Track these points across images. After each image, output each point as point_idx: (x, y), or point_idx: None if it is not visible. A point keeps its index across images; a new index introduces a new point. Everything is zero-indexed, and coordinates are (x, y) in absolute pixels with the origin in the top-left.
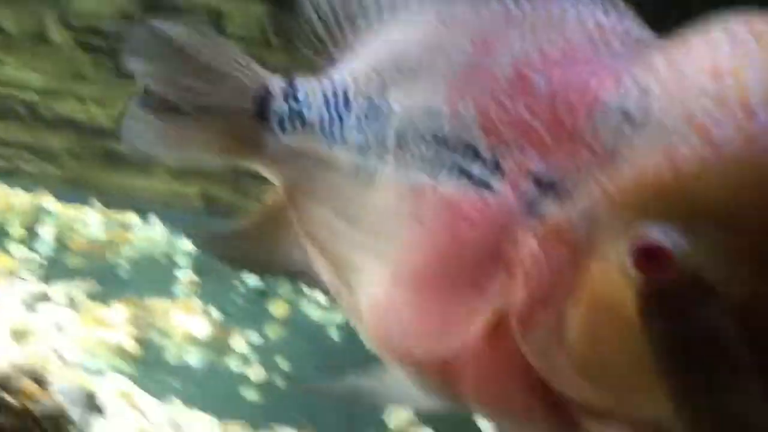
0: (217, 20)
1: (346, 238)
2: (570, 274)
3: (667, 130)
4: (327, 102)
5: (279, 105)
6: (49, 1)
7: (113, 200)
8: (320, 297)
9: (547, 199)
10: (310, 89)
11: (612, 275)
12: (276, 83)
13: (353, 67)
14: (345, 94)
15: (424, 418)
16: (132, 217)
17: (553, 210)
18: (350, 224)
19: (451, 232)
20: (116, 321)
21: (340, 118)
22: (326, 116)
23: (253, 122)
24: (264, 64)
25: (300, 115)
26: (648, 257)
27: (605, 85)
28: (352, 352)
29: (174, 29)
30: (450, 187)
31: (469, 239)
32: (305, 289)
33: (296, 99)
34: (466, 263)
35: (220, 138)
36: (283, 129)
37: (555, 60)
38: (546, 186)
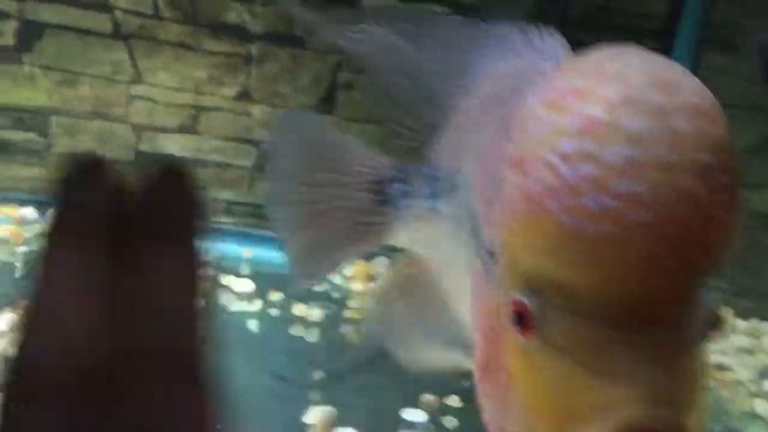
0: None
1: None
2: (500, 339)
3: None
4: (428, 182)
5: (396, 188)
6: None
7: (6, 194)
8: (237, 286)
9: (493, 265)
10: (415, 172)
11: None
12: (389, 169)
13: (442, 149)
14: (436, 174)
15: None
16: (29, 212)
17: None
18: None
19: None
20: (4, 329)
21: (438, 197)
22: (429, 196)
23: (375, 208)
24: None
25: (410, 195)
26: (517, 317)
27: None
28: (274, 344)
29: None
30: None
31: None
32: (221, 280)
33: (407, 181)
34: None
35: (351, 232)
36: (398, 209)
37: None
38: (491, 253)
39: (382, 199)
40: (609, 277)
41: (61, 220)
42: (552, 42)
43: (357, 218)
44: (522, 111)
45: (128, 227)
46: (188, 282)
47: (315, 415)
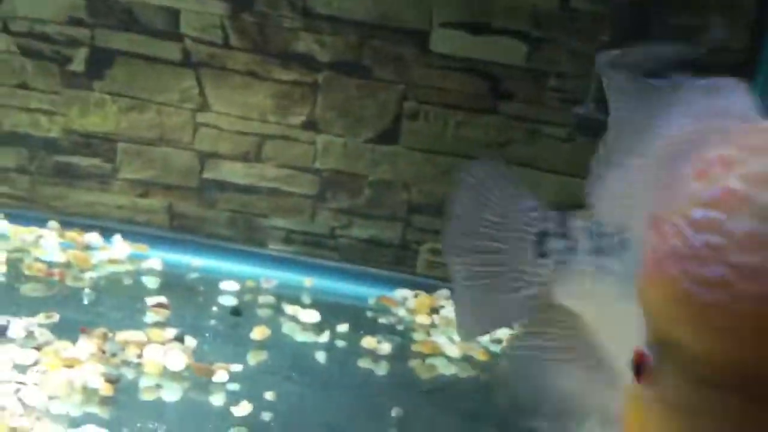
0: (174, 20)
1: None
2: None
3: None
4: (591, 236)
5: (557, 243)
6: None
7: (71, 219)
8: (302, 316)
9: None
10: (578, 224)
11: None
12: (552, 222)
13: (609, 202)
14: (601, 227)
15: None
16: (93, 237)
17: None
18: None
19: None
20: (83, 358)
21: (602, 251)
22: (593, 252)
23: (534, 262)
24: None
25: (572, 250)
26: (637, 366)
27: None
28: (338, 376)
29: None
30: None
31: None
32: (285, 308)
33: (567, 235)
34: None
35: (511, 287)
36: (558, 263)
37: None
38: None
39: (541, 253)
40: (718, 344)
41: None
42: (740, 102)
43: (518, 273)
44: (675, 175)
45: None
46: None
47: None
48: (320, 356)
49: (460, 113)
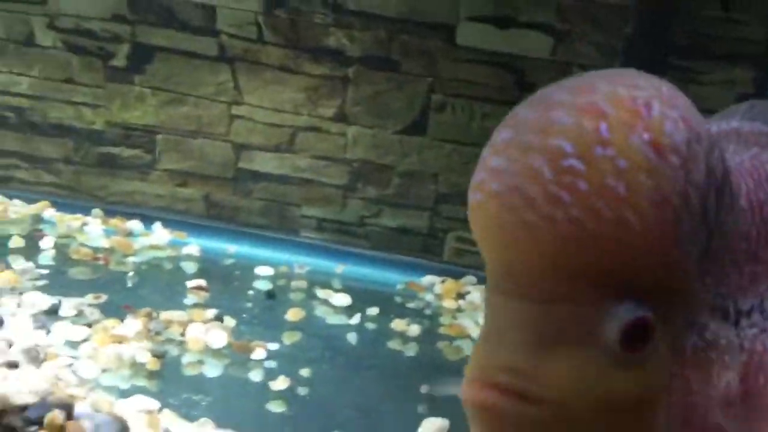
0: (210, 17)
1: None
2: None
3: None
4: None
5: None
6: (36, 2)
7: (113, 207)
8: (334, 300)
9: None
10: None
11: None
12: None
13: None
14: None
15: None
16: (135, 224)
17: None
18: None
19: None
20: (131, 335)
21: None
22: None
23: None
24: None
25: None
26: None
27: None
28: (369, 356)
29: None
30: None
31: None
32: (317, 293)
33: None
34: None
35: None
36: None
37: None
38: None
39: None
40: (483, 245)
41: None
42: None
43: None
44: None
45: None
46: None
47: (429, 426)
48: (351, 337)
49: (487, 105)
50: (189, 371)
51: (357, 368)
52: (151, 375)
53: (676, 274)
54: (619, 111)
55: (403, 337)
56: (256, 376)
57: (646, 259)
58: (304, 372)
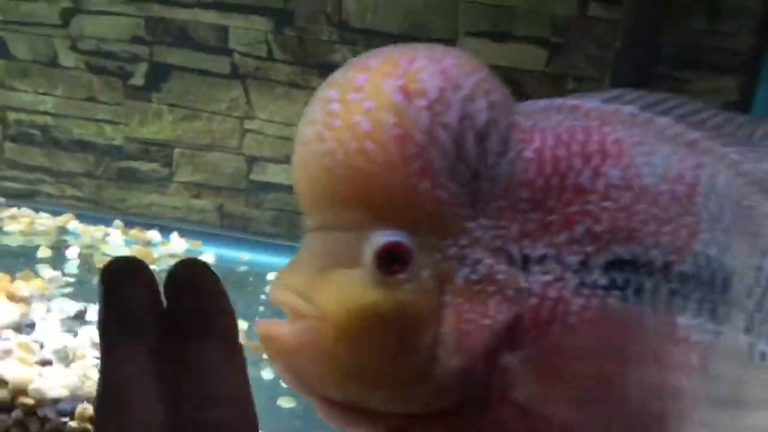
0: (223, 36)
1: None
2: None
3: None
4: None
5: None
6: (59, 26)
7: (133, 218)
8: None
9: None
10: None
11: None
12: None
13: None
14: None
15: None
16: (153, 235)
17: None
18: None
19: None
20: None
21: None
22: None
23: None
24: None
25: None
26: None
27: None
28: None
29: None
30: None
31: None
32: None
33: None
34: None
35: None
36: None
37: None
38: None
39: None
40: (295, 184)
41: (114, 318)
42: None
43: None
44: None
45: (170, 324)
46: (238, 372)
47: None
48: None
49: None
50: None
51: None
52: None
53: (432, 205)
54: (383, 64)
55: None
56: (267, 374)
57: (395, 188)
58: None
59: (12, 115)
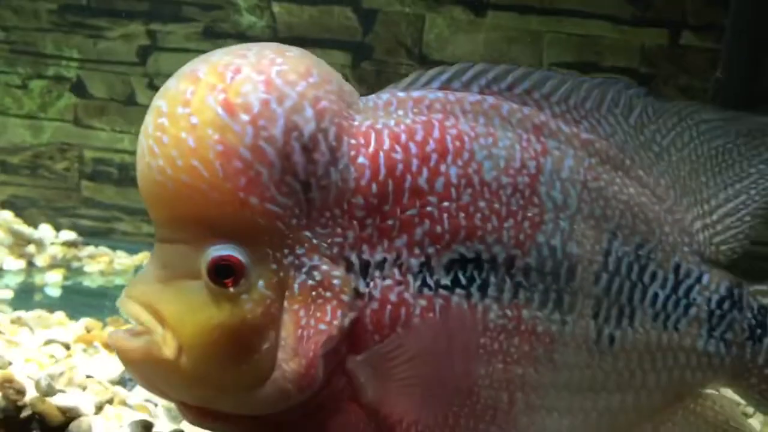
0: None
1: None
2: None
3: None
4: None
5: None
6: (136, 64)
7: None
8: None
9: None
10: None
11: None
12: None
13: None
14: None
15: None
16: None
17: None
18: None
19: None
20: None
21: None
22: None
23: None
24: None
25: None
26: None
27: None
28: None
29: None
30: None
31: None
32: None
33: None
34: None
35: None
36: None
37: None
38: None
39: None
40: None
41: None
42: None
43: None
44: None
45: None
46: None
47: None
48: None
49: None
50: None
51: None
52: None
53: (263, 218)
54: (209, 76)
55: None
56: None
57: (223, 203)
58: None
59: (89, 154)
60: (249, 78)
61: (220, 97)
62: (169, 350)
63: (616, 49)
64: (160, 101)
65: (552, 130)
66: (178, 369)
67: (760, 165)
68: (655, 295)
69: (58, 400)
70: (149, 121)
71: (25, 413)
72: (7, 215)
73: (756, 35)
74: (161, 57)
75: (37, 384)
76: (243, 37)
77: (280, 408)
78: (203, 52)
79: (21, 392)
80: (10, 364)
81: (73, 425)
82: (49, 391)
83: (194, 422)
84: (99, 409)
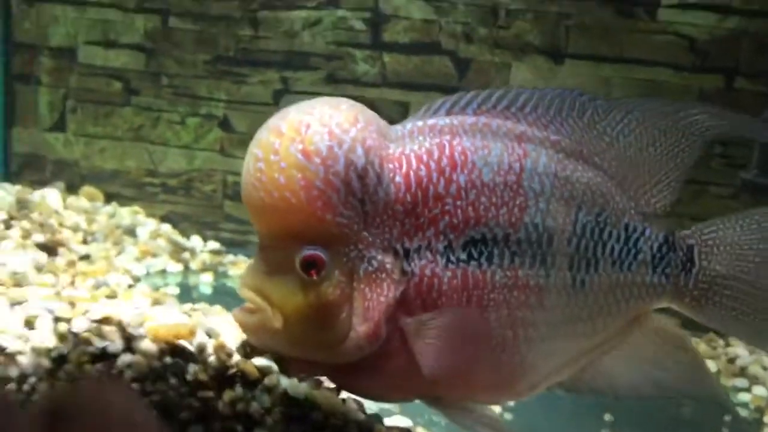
0: (403, 112)
1: None
2: None
3: None
4: None
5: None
6: (271, 104)
7: None
8: None
9: None
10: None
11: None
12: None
13: None
14: None
15: None
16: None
17: None
18: None
19: None
20: None
21: None
22: None
23: None
24: None
25: None
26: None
27: None
28: None
29: None
30: None
31: None
32: None
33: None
34: None
35: None
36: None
37: None
38: None
39: None
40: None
41: None
42: None
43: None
44: None
45: None
46: None
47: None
48: None
49: None
50: None
51: None
52: None
53: (335, 227)
54: (289, 130)
55: None
56: None
57: (309, 220)
58: None
59: (231, 178)
60: (317, 131)
61: (299, 147)
62: (277, 322)
63: (677, 92)
64: (256, 150)
65: (529, 137)
66: (284, 334)
67: (680, 140)
68: (612, 247)
69: (256, 362)
70: (250, 164)
71: (231, 371)
72: (167, 227)
73: None
74: (293, 98)
75: (240, 349)
76: (358, 82)
77: (356, 358)
78: (327, 95)
79: (230, 355)
80: (219, 335)
81: (266, 380)
82: (249, 355)
83: (297, 369)
84: (284, 368)
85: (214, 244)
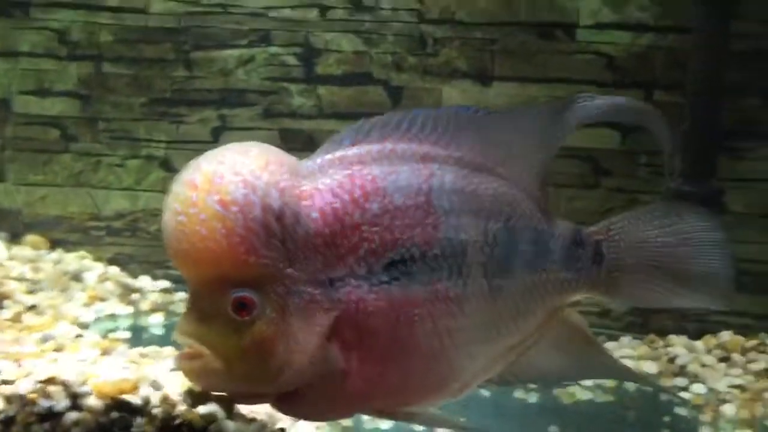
0: None
1: None
2: None
3: None
4: None
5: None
6: (210, 142)
7: None
8: None
9: None
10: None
11: None
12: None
13: None
14: None
15: None
16: None
17: None
18: None
19: None
20: None
21: None
22: None
23: None
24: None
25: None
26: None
27: None
28: (498, 403)
29: None
30: None
31: None
32: None
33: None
34: None
35: None
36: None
37: None
38: None
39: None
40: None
41: None
42: None
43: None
44: None
45: None
46: None
47: None
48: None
49: (570, 190)
50: None
51: (484, 416)
52: None
53: (260, 269)
54: (203, 183)
55: (526, 387)
56: None
57: (235, 265)
58: None
59: None
60: (231, 181)
61: (215, 198)
62: (218, 364)
63: None
64: (175, 204)
65: (433, 156)
66: (226, 374)
67: (544, 134)
68: (524, 250)
69: (200, 410)
70: (171, 218)
71: (176, 422)
72: (115, 270)
73: (712, 89)
74: (231, 135)
75: (185, 396)
76: (295, 114)
77: (297, 384)
78: (264, 129)
79: (174, 405)
80: (163, 387)
81: (212, 426)
82: (194, 403)
83: (244, 402)
84: (229, 412)
85: (164, 283)
